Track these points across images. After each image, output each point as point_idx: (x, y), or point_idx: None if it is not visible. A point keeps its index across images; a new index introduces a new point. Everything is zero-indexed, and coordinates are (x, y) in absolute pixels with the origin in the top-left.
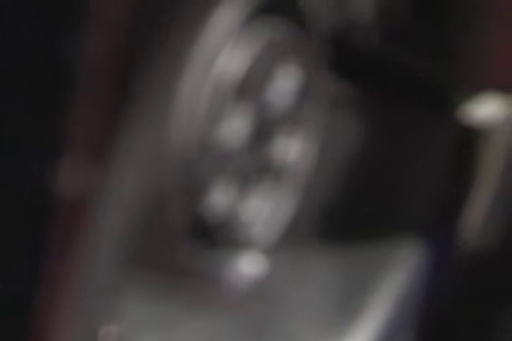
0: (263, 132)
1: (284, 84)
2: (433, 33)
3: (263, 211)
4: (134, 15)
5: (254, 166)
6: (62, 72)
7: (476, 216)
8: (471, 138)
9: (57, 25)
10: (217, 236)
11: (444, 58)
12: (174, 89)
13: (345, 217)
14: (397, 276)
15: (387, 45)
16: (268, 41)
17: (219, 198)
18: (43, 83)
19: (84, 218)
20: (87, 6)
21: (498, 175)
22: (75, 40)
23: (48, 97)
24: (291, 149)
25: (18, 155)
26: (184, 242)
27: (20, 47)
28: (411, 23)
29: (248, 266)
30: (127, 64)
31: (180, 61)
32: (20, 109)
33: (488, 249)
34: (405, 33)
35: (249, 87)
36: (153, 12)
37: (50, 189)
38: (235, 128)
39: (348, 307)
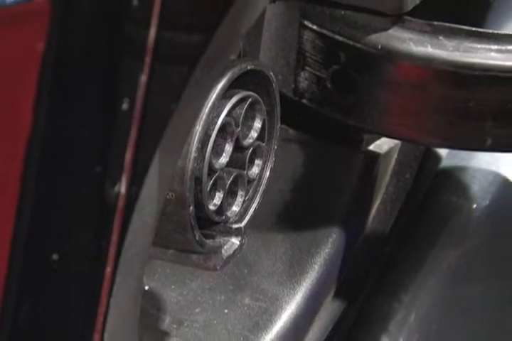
0: (239, 158)
1: (253, 126)
2: (347, 98)
3: (241, 208)
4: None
5: (234, 180)
6: (118, 122)
7: (374, 212)
8: (371, 161)
9: (119, 88)
10: (213, 225)
11: (355, 114)
12: (188, 133)
13: (291, 212)
14: (326, 249)
15: (320, 105)
16: (242, 98)
17: (215, 202)
18: (105, 128)
19: (129, 214)
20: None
21: (388, 185)
22: (127, 98)
23: (107, 137)
24: (257, 169)
25: (92, 175)
26: (192, 231)
27: (95, 110)
28: (334, 93)
29: (233, 243)
30: (154, 116)
31: (193, 115)
32: (92, 144)
33: (381, 233)
34: (331, 99)
35: (230, 128)
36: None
37: (110, 195)
38: (223, 157)
39: (296, 268)
